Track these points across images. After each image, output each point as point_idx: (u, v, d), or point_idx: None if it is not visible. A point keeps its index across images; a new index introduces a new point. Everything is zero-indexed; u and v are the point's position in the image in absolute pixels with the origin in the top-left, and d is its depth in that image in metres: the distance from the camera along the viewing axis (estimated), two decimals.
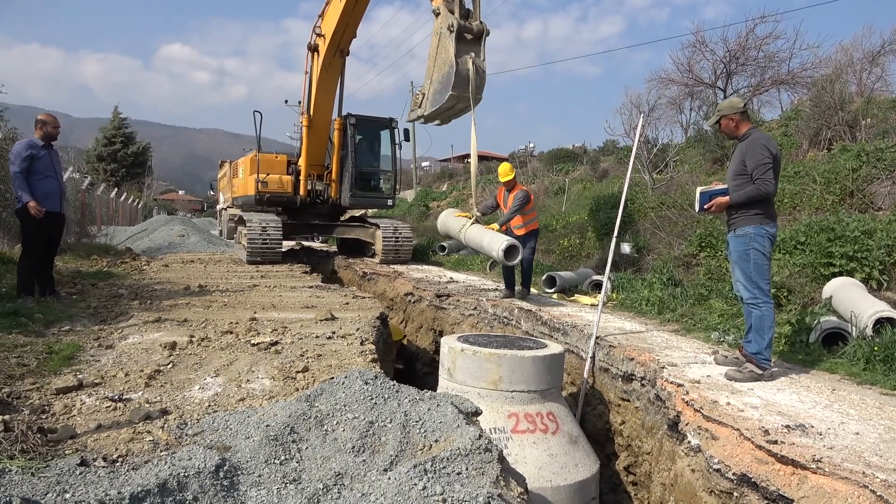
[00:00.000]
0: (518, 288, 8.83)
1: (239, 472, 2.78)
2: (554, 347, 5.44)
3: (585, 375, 5.98)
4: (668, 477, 4.27)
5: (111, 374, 4.50)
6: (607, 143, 30.57)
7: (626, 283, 9.33)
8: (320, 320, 6.62)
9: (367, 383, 3.75)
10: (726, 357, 5.07)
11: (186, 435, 3.38)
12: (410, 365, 9.04)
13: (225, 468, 2.73)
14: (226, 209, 22.48)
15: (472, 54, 8.47)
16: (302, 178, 14.19)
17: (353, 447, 3.09)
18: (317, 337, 5.78)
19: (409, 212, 27.94)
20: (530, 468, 4.74)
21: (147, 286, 9.22)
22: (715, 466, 3.49)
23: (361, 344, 5.56)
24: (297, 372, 4.56)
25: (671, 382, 4.54)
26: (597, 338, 6.00)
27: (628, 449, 5.46)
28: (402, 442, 3.14)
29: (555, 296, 9.40)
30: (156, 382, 4.34)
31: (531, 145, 41.96)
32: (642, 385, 5.18)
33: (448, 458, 2.86)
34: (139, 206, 38.54)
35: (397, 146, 14.57)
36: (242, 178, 16.47)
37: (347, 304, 7.78)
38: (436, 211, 26.33)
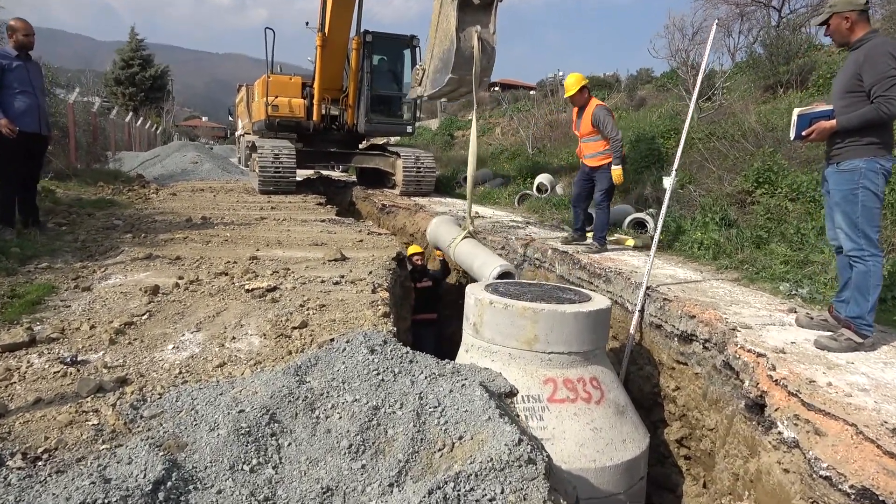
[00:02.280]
0: (588, 240, 7.29)
1: (190, 487, 2.03)
2: (599, 300, 4.59)
3: (632, 331, 5.16)
4: (743, 468, 3.48)
5: (74, 327, 3.78)
6: (641, 72, 28.68)
7: (672, 223, 8.36)
8: (329, 261, 5.84)
9: (372, 352, 2.97)
10: (811, 318, 4.19)
11: (140, 417, 2.65)
12: (437, 283, 8.32)
13: (169, 484, 1.98)
14: (243, 136, 21.61)
15: (479, 27, 6.91)
16: (315, 101, 13.16)
17: (351, 446, 2.32)
18: (322, 282, 5.00)
19: (432, 141, 26.75)
20: (570, 445, 3.99)
21: (147, 217, 8.50)
22: (823, 472, 2.68)
23: (373, 291, 4.77)
24: (294, 328, 3.79)
25: (749, 351, 3.69)
26: (647, 288, 5.14)
27: (682, 419, 4.69)
28: (415, 439, 2.36)
29: (591, 235, 8.48)
30: (123, 339, 3.61)
31: (560, 73, 39.88)
32: (705, 348, 4.34)
33: (477, 475, 2.07)
34: (158, 131, 37.75)
35: None
36: (257, 101, 15.48)
37: (361, 241, 6.98)
38: (460, 140, 25.14)
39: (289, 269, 5.35)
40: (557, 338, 4.23)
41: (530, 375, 4.21)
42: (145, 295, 4.47)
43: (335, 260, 5.83)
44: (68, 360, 3.23)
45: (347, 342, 3.09)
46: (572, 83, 6.93)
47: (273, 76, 13.58)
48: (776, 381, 3.26)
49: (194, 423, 2.44)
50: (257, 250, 6.34)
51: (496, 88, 38.72)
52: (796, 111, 3.83)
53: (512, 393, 2.96)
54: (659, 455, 4.89)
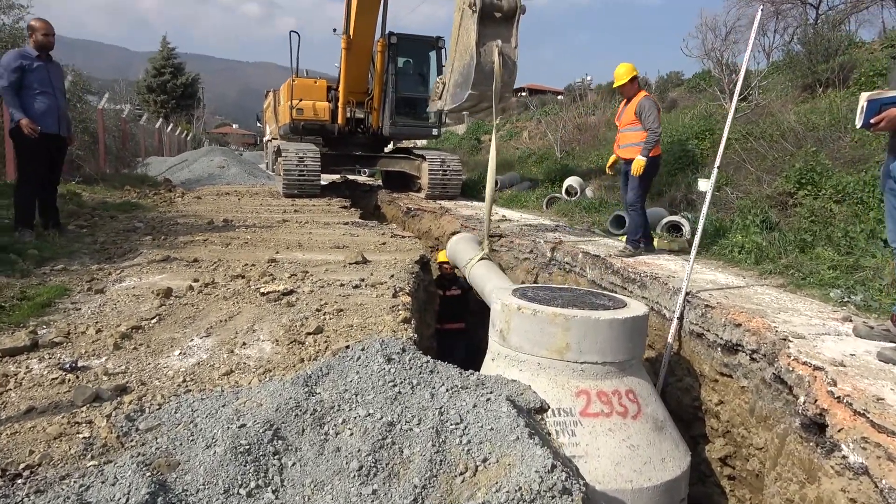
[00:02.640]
0: (622, 246, 6.91)
1: None
2: (635, 307, 4.28)
3: (670, 340, 4.83)
4: (799, 494, 3.14)
5: (80, 331, 3.60)
6: (672, 75, 28.10)
7: (710, 226, 7.97)
8: (350, 263, 5.61)
9: (389, 360, 2.72)
10: (871, 328, 3.82)
11: (136, 430, 2.43)
12: (465, 292, 8.03)
13: None
14: (270, 140, 21.64)
15: (499, 41, 6.58)
16: (340, 104, 13.03)
17: (361, 467, 2.07)
18: (342, 285, 4.77)
19: (459, 145, 26.54)
20: (604, 464, 3.68)
21: (169, 219, 8.40)
22: None
23: (394, 296, 4.52)
24: (308, 334, 3.56)
25: (804, 363, 3.35)
26: (687, 293, 4.81)
27: (726, 436, 4.34)
28: (434, 461, 2.10)
29: (623, 238, 8.13)
30: (129, 344, 3.42)
31: (588, 78, 39.39)
32: (753, 360, 4.00)
33: None
34: (188, 137, 38.22)
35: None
36: (282, 105, 15.43)
37: (384, 244, 6.75)
38: (487, 144, 24.86)
39: (307, 272, 5.14)
40: (591, 347, 3.93)
41: (561, 387, 3.92)
42: (157, 298, 4.29)
43: (356, 263, 5.61)
44: (68, 365, 3.04)
45: (363, 350, 2.85)
46: (623, 73, 6.60)
47: (298, 80, 13.50)
48: (838, 397, 2.92)
49: (191, 438, 2.22)
50: (277, 253, 6.16)
51: (523, 93, 38.41)
52: (865, 96, 3.47)
53: (542, 408, 2.69)
54: (700, 474, 4.55)
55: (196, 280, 4.80)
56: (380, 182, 17.10)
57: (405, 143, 15.07)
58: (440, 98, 7.76)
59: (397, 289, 4.71)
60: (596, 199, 10.73)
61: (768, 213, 7.90)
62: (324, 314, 3.95)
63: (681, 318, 4.83)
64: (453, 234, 9.13)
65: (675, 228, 8.67)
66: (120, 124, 18.99)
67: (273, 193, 12.93)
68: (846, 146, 9.28)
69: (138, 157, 21.31)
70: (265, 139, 28.32)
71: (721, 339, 4.31)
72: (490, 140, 6.83)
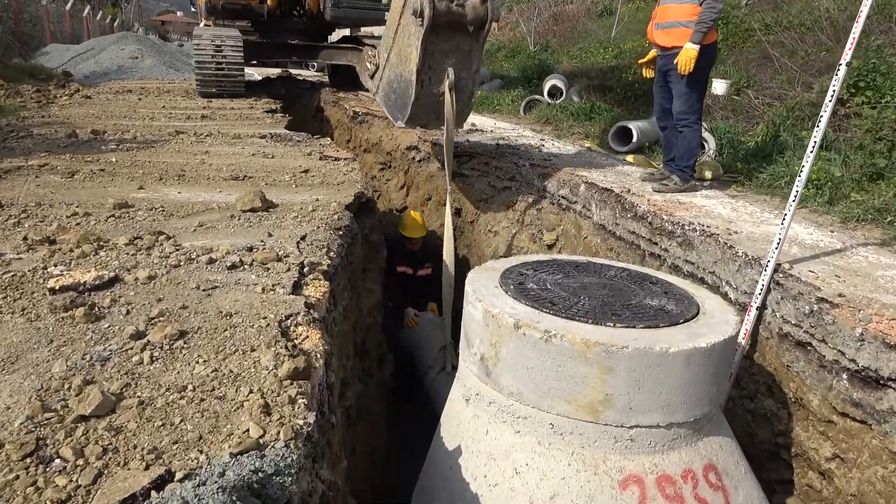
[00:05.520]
0: (653, 168, 5.38)
1: None
2: (716, 310, 2.48)
3: (741, 340, 3.07)
4: None
5: None
6: None
7: (727, 144, 6.10)
8: (244, 211, 3.62)
9: None
10: None
11: None
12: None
13: None
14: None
15: (451, 69, 4.48)
16: None
17: None
18: (211, 261, 2.81)
19: None
20: None
21: (21, 129, 6.14)
22: None
23: (295, 288, 2.60)
24: (66, 436, 1.65)
25: None
26: (776, 267, 3.01)
27: None
28: None
29: (630, 157, 6.25)
30: None
31: None
32: None
33: None
34: (115, 24, 33.91)
35: None
36: None
37: (306, 171, 4.71)
38: None
39: (163, 234, 3.13)
40: (650, 399, 2.13)
41: (593, 470, 2.15)
42: None
43: (252, 210, 3.61)
44: None
45: None
46: None
47: None
48: None
49: None
50: (140, 189, 4.10)
51: None
52: None
53: None
54: None
55: None
56: (326, 78, 14.59)
57: (353, 30, 12.50)
58: (372, 78, 5.77)
59: (304, 269, 2.78)
60: (585, 103, 8.69)
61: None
62: (140, 350, 2.02)
63: (761, 309, 3.06)
64: (411, 148, 7.07)
65: None
66: (9, 2, 15.71)
67: (189, 92, 10.48)
68: None
69: (44, 46, 18.13)
70: (201, 25, 24.81)
71: (851, 359, 2.55)
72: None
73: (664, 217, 3.95)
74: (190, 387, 1.83)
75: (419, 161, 6.88)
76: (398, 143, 7.50)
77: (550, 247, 5.04)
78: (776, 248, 2.99)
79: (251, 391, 1.81)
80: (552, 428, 2.20)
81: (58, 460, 1.51)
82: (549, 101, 9.37)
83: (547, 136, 7.30)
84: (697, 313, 2.41)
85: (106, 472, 1.48)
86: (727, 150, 6.04)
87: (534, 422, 2.22)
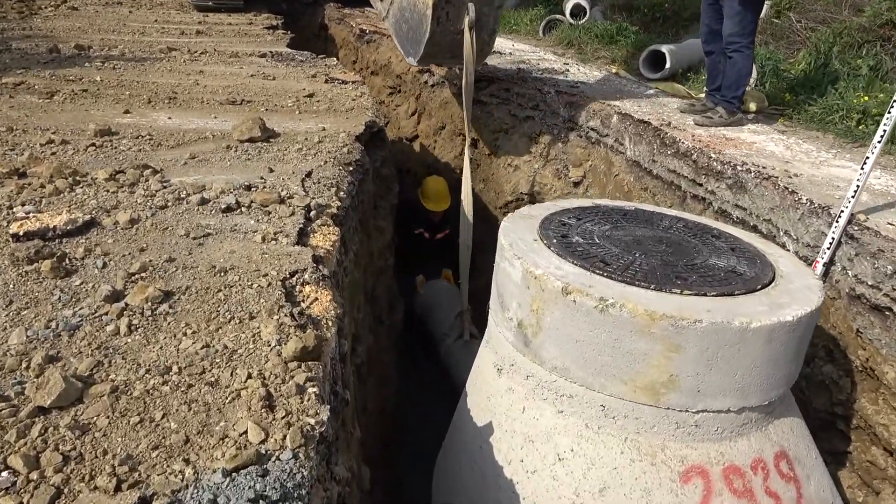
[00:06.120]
0: (692, 98, 4.88)
1: None
2: (792, 274, 2.12)
3: None
4: None
5: None
6: None
7: (769, 71, 5.54)
8: (241, 141, 3.21)
9: None
10: None
11: None
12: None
13: None
14: None
15: (472, 3, 3.85)
16: None
17: None
18: (203, 201, 2.44)
19: None
20: None
21: (0, 43, 5.62)
22: None
23: (301, 236, 2.24)
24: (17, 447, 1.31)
25: None
26: (850, 217, 2.63)
27: None
28: None
29: (662, 85, 5.72)
30: None
31: None
32: None
33: None
34: None
35: None
36: None
37: (312, 95, 4.24)
38: None
39: (149, 168, 2.74)
40: (722, 380, 1.81)
41: (650, 460, 1.85)
42: None
43: (250, 141, 3.20)
44: None
45: None
46: None
47: None
48: None
49: None
50: (126, 112, 3.67)
51: None
52: None
53: None
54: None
55: None
56: None
57: None
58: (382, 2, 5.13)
59: (311, 213, 2.40)
60: (612, 24, 8.02)
61: (869, 52, 5.51)
62: (117, 317, 1.68)
63: (828, 266, 2.70)
64: (423, 70, 6.52)
65: None
66: None
67: (183, 5, 9.76)
68: None
69: None
70: None
71: None
72: None
73: (712, 155, 3.53)
74: (175, 367, 1.50)
75: (432, 86, 6.35)
76: (409, 66, 6.93)
77: (577, 184, 4.64)
78: (853, 197, 2.59)
79: (250, 375, 1.47)
80: (603, 410, 1.88)
81: (5, 473, 1.19)
82: (572, 21, 8.68)
83: (571, 60, 6.73)
84: (773, 277, 2.05)
85: (66, 490, 1.16)
86: (770, 80, 5.51)
87: (581, 402, 1.90)
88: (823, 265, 2.69)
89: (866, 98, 4.34)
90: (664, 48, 5.98)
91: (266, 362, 1.53)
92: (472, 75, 4.04)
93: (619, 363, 1.81)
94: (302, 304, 1.86)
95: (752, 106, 4.74)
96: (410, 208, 5.21)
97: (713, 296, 1.87)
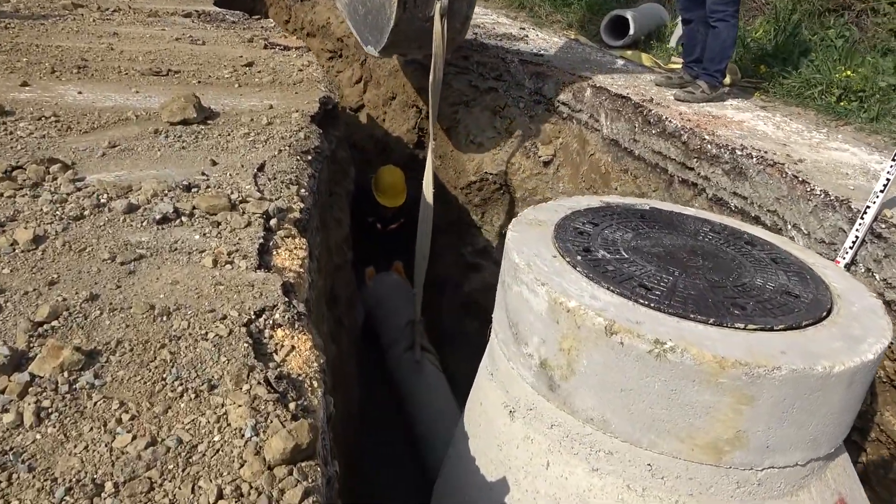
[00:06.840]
0: (666, 68, 4.68)
1: None
2: (846, 291, 1.84)
3: None
4: None
5: None
6: None
7: (743, 40, 5.29)
8: (172, 123, 2.66)
9: None
10: None
11: None
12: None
13: None
14: None
15: None
16: None
17: None
18: (130, 209, 1.93)
19: None
20: None
21: None
22: None
23: (262, 254, 1.78)
24: None
25: None
26: (876, 216, 2.39)
27: None
28: None
29: (628, 53, 5.41)
30: None
31: None
32: None
33: None
34: None
35: None
36: None
37: (251, 64, 3.67)
38: None
39: (56, 161, 2.18)
40: (794, 433, 1.51)
41: None
42: None
43: (184, 123, 2.65)
44: None
45: None
46: None
47: None
48: None
49: None
50: (24, 84, 3.02)
51: None
52: None
53: None
54: None
55: None
56: None
57: None
58: None
59: (270, 221, 1.94)
60: None
61: (837, 22, 5.34)
62: (18, 399, 1.19)
63: (849, 266, 2.46)
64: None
65: None
66: None
67: None
68: None
69: None
70: None
71: None
72: None
73: (705, 137, 3.23)
74: (109, 484, 1.05)
75: None
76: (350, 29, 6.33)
77: (547, 164, 4.28)
78: (881, 191, 2.34)
79: (221, 494, 1.04)
80: (650, 469, 1.56)
81: None
82: None
83: (527, 25, 6.30)
84: (831, 298, 1.76)
85: None
86: (738, 50, 5.28)
87: (623, 459, 1.57)
88: (844, 266, 2.45)
89: (849, 73, 4.15)
90: (628, 13, 5.64)
91: (241, 466, 1.10)
92: (440, 70, 3.56)
93: (676, 417, 1.49)
94: (276, 356, 1.42)
95: (728, 79, 4.49)
96: (360, 193, 4.73)
97: (780, 329, 1.56)
